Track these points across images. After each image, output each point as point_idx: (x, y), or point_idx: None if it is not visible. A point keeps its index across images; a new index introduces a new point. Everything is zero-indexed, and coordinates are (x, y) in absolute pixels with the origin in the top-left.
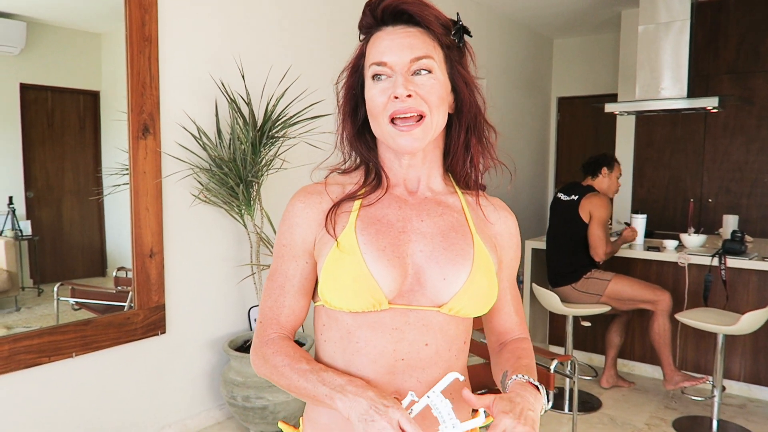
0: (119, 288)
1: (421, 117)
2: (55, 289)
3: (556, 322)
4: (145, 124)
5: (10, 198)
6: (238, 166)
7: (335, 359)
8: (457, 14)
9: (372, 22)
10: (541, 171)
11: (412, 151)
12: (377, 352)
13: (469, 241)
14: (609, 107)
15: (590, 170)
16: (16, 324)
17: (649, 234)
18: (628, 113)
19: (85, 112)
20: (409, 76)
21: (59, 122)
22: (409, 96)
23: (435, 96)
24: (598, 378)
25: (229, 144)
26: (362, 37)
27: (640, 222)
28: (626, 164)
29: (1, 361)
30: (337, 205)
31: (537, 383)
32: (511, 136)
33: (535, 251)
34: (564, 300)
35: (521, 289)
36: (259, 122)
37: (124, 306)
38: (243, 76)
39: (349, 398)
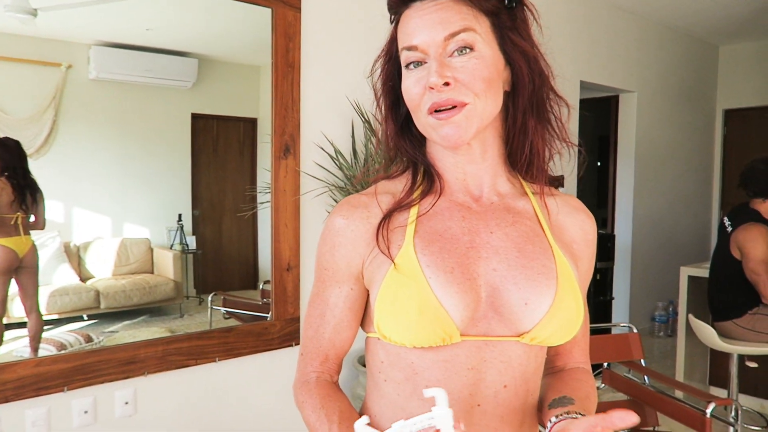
0: (264, 300)
1: (463, 105)
2: (209, 298)
3: (718, 360)
4: (286, 145)
5: (180, 215)
6: (370, 185)
7: (397, 404)
8: None
9: None
10: (704, 191)
11: (458, 143)
12: (452, 398)
13: (549, 255)
14: None
15: (760, 189)
16: (179, 329)
17: None
18: None
19: (244, 138)
20: (445, 59)
21: (222, 147)
22: (447, 84)
23: (479, 79)
24: None
25: (363, 163)
26: (392, 18)
27: None
28: None
29: (156, 360)
30: (387, 218)
31: None
32: (667, 153)
33: (692, 279)
34: (726, 336)
35: (675, 321)
36: None
37: (267, 317)
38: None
39: None
